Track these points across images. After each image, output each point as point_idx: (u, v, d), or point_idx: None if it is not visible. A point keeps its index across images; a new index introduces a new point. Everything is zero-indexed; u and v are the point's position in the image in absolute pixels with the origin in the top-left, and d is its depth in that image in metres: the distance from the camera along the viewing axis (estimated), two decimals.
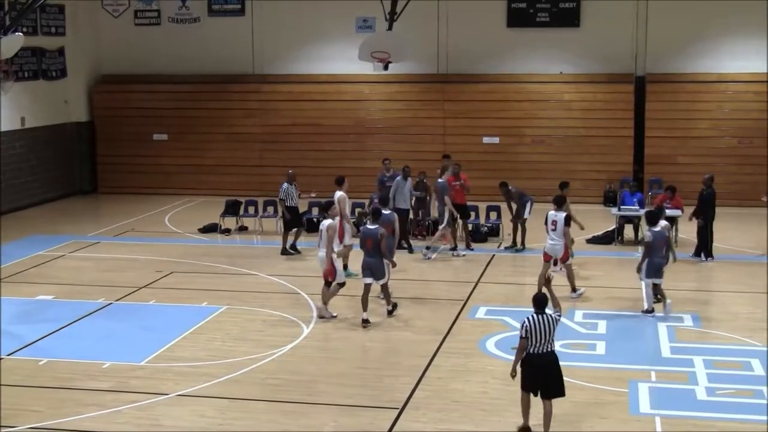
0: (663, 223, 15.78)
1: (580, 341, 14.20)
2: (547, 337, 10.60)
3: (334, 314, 15.39)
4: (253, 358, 13.44)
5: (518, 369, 10.72)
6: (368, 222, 15.65)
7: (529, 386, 10.76)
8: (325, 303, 15.42)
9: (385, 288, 15.44)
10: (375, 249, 15.10)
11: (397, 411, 11.59)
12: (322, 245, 15.56)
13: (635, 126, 25.79)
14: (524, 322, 10.64)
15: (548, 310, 11.00)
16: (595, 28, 25.90)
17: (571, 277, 16.36)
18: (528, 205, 19.87)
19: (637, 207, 20.50)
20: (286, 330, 14.79)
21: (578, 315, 15.47)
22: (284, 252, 19.95)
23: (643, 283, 15.53)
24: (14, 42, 23.76)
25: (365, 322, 14.94)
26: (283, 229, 20.35)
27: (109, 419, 11.44)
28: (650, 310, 15.35)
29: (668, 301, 15.31)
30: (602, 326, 14.93)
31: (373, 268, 15.16)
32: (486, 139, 26.19)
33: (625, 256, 19.39)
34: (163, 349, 13.94)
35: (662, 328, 14.77)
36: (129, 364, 13.27)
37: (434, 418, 11.42)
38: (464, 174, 20.59)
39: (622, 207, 20.79)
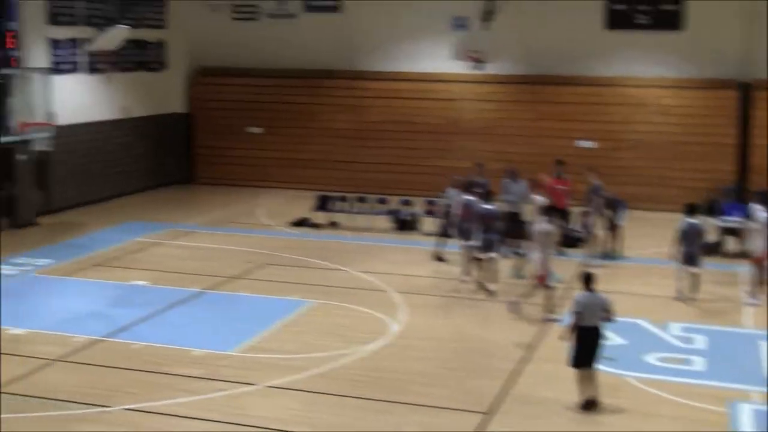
0: None
1: (677, 355, 13.73)
2: (596, 312, 11.54)
3: (558, 317, 15.08)
4: (341, 354, 13.54)
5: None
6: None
7: (582, 361, 11.50)
8: (549, 310, 15.26)
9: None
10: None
11: (482, 415, 11.54)
12: (535, 248, 15.45)
13: (739, 134, 25.19)
14: (576, 298, 11.69)
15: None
16: (698, 32, 25.29)
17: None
18: (621, 211, 19.60)
19: (740, 218, 19.53)
20: (374, 327, 14.87)
21: (676, 328, 14.95)
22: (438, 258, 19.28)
23: None
24: (118, 34, 24.47)
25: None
26: (440, 234, 19.42)
27: (199, 405, 11.65)
28: None
29: None
30: (700, 341, 14.36)
31: None
32: (579, 143, 25.94)
33: (727, 269, 18.72)
34: (252, 339, 14.15)
35: (764, 345, 14.12)
36: (219, 353, 13.50)
37: (519, 424, 11.32)
38: (565, 179, 20.51)
39: (724, 218, 20.23)
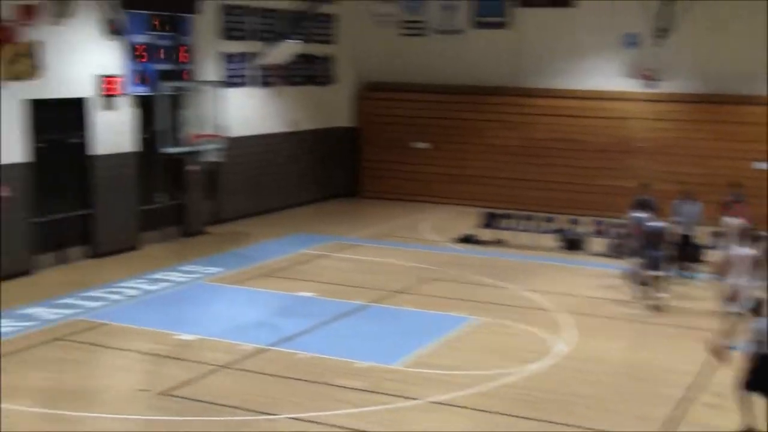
0: None
1: None
2: None
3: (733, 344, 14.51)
4: (504, 372, 13.24)
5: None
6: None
7: (757, 386, 10.94)
8: (728, 336, 14.61)
9: None
10: None
11: None
12: (730, 273, 14.97)
13: None
14: (754, 325, 11.08)
15: None
16: None
17: None
18: None
19: None
20: (538, 346, 14.51)
21: None
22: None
23: None
24: (288, 49, 24.82)
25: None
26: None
27: (362, 418, 11.55)
28: None
29: None
30: None
31: None
32: (757, 165, 24.85)
33: None
34: (415, 354, 13.99)
35: None
36: (382, 366, 13.39)
37: None
38: (742, 202, 19.72)
39: None
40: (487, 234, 22.51)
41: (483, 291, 17.89)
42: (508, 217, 22.95)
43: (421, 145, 28.47)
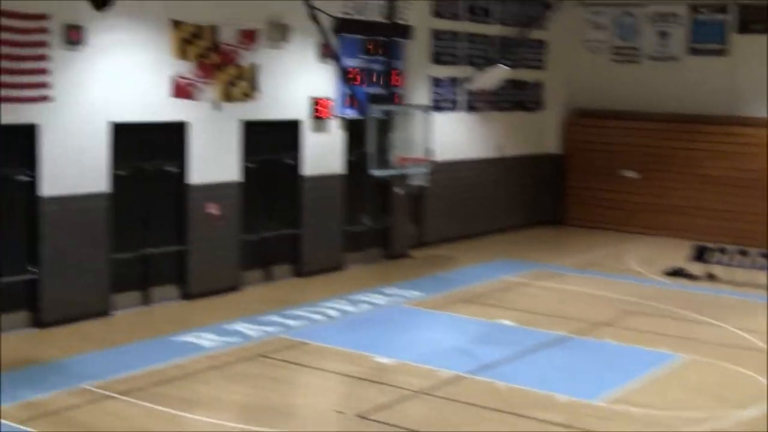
0: None
1: None
2: None
3: None
4: (715, 416, 12.43)
5: None
6: None
7: None
8: None
9: None
10: None
11: None
12: None
13: None
14: None
15: None
16: None
17: None
18: None
19: None
20: (753, 389, 13.55)
21: None
22: None
23: None
24: (498, 74, 24.55)
25: None
26: None
27: None
28: None
29: None
30: None
31: None
32: None
33: None
34: (617, 390, 13.34)
35: None
36: (583, 401, 12.82)
37: None
38: None
39: None
40: (697, 268, 21.47)
41: (693, 328, 16.99)
42: (720, 251, 21.80)
43: (629, 173, 27.59)
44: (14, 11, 14.57)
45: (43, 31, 14.98)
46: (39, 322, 15.48)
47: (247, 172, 18.84)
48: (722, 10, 26.55)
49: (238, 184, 18.63)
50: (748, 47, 26.05)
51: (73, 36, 15.43)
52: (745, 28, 26.21)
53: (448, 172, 23.99)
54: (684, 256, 22.08)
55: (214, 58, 17.77)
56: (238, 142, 18.57)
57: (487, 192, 26.03)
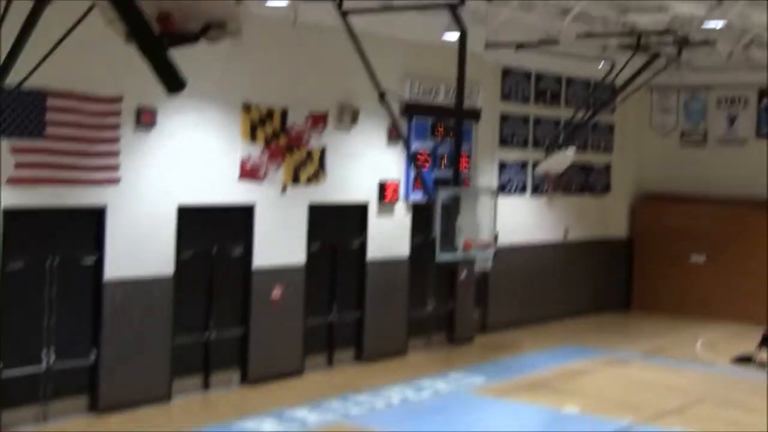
0: None
1: None
2: None
3: None
4: None
5: None
6: None
7: None
8: None
9: None
10: None
11: None
12: None
13: None
14: None
15: None
16: None
17: None
18: None
19: None
20: None
21: None
22: None
23: None
24: (565, 158, 24.25)
25: None
26: None
27: None
28: None
29: None
30: None
31: None
32: None
33: None
34: None
35: None
36: None
37: None
38: None
39: None
40: (766, 355, 20.76)
41: (762, 417, 16.26)
42: None
43: (697, 258, 26.99)
44: (90, 95, 14.61)
45: (116, 113, 15.01)
46: (96, 407, 15.14)
47: (312, 255, 18.66)
48: None
49: (303, 268, 18.42)
50: None
51: (146, 118, 15.39)
52: None
53: (514, 255, 23.65)
54: (753, 342, 21.37)
55: (283, 141, 17.74)
56: (304, 225, 18.42)
57: (552, 276, 25.59)
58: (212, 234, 17.03)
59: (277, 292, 17.86)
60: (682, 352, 21.99)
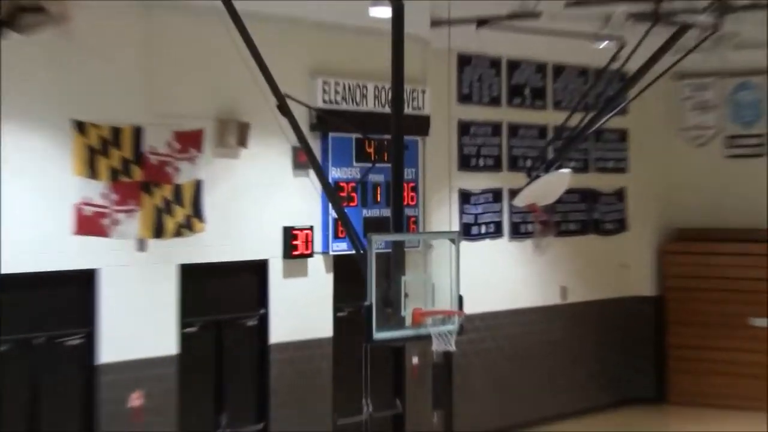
0: None
1: None
2: None
3: None
4: None
5: None
6: None
7: None
8: None
9: None
10: None
11: None
12: None
13: None
14: None
15: None
16: None
17: None
18: None
19: None
20: None
21: None
22: None
23: None
24: (557, 181, 24.46)
25: None
26: None
27: None
28: None
29: None
30: None
31: None
32: None
33: None
34: None
35: None
36: None
37: None
38: None
39: None
40: None
41: None
42: None
43: (760, 322, 27.38)
44: None
45: None
46: None
47: (188, 340, 18.64)
48: None
49: (175, 360, 18.40)
50: None
51: None
52: None
53: (490, 328, 23.94)
54: None
55: (138, 174, 17.73)
56: (173, 297, 18.41)
57: (548, 357, 25.88)
58: (38, 314, 16.85)
59: (136, 399, 17.78)
60: None
